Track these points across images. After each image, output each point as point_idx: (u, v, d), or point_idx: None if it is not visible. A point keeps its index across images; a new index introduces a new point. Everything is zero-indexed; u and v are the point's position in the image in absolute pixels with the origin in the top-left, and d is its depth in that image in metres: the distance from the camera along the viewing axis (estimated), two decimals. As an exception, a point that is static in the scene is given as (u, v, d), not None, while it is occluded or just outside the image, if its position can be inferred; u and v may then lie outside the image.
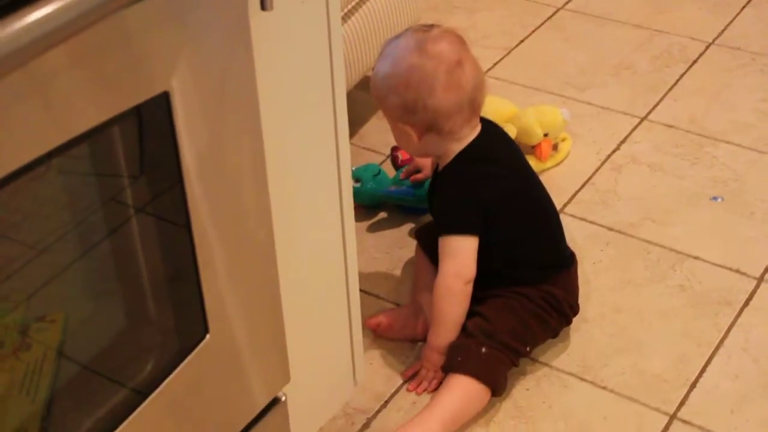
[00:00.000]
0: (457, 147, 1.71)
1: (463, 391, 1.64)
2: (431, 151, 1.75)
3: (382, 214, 2.09)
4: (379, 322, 1.80)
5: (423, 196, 1.95)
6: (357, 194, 2.01)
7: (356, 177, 2.05)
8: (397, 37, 1.72)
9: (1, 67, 0.79)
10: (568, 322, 1.78)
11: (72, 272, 1.05)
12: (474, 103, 1.68)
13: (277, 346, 1.28)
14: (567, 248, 1.80)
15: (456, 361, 1.66)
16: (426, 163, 1.99)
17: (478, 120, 1.73)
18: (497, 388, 1.66)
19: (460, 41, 1.69)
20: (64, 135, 0.91)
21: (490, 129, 1.76)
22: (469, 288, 1.69)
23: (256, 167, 1.16)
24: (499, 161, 1.75)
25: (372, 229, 2.05)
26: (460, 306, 1.70)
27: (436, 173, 1.77)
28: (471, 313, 1.72)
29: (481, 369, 1.64)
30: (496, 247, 1.70)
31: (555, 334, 1.77)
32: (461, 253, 1.68)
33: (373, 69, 1.75)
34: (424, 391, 1.71)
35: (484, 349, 1.65)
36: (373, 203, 2.07)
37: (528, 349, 1.71)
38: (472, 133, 1.71)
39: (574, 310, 1.77)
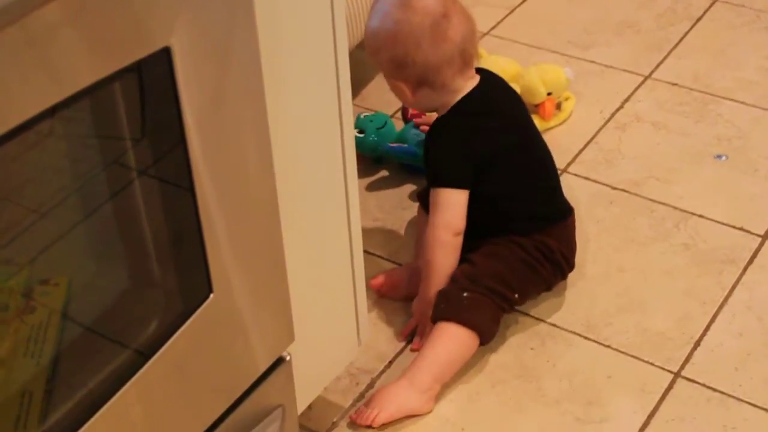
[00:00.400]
0: (453, 99, 1.71)
1: (449, 338, 1.64)
2: (427, 105, 1.76)
3: (384, 173, 2.08)
4: (382, 282, 1.80)
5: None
6: (358, 144, 2.01)
7: (360, 127, 2.04)
8: None
9: (-2, 20, 0.79)
10: (563, 275, 1.77)
11: (75, 235, 1.04)
12: (465, 54, 1.68)
13: (281, 305, 1.28)
14: (564, 200, 1.80)
15: (440, 308, 1.66)
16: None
17: (473, 71, 1.72)
18: (483, 332, 1.65)
19: None
20: (63, 91, 0.90)
21: (490, 80, 1.76)
22: (459, 240, 1.70)
23: (258, 126, 1.15)
24: (495, 113, 1.74)
25: (374, 188, 2.05)
26: (449, 257, 1.70)
27: (433, 124, 1.76)
28: (461, 261, 1.72)
29: (463, 313, 1.64)
30: (489, 199, 1.70)
31: (549, 287, 1.76)
32: (450, 206, 1.69)
33: (364, 26, 1.75)
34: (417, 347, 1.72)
35: (465, 294, 1.65)
36: (374, 155, 2.07)
37: (517, 296, 1.70)
38: (468, 84, 1.71)
39: (569, 262, 1.77)
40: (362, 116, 2.08)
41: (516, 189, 1.73)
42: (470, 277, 1.67)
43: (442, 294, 1.67)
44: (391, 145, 2.04)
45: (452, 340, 1.63)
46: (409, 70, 1.67)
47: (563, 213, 1.77)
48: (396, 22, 1.66)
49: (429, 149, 1.76)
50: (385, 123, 2.07)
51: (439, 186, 1.69)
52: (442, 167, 1.71)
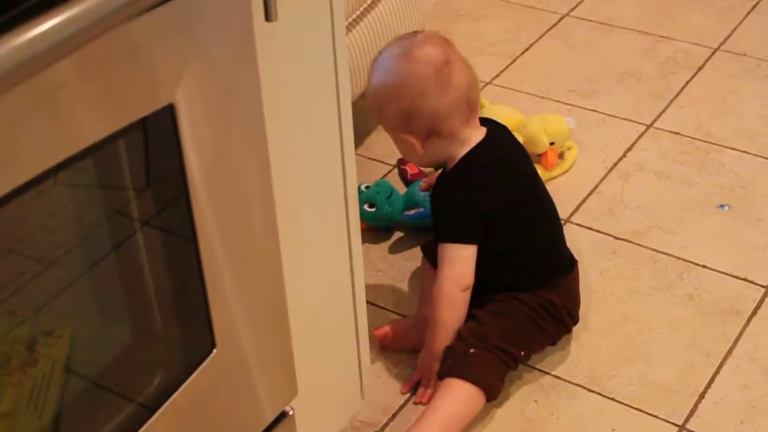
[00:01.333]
0: (460, 150, 1.70)
1: (455, 394, 1.63)
2: (437, 157, 1.74)
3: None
4: (386, 333, 1.80)
5: None
6: (373, 219, 2.01)
7: (370, 201, 2.02)
8: (382, 51, 1.73)
9: (8, 79, 0.79)
10: (568, 329, 1.77)
11: (78, 286, 1.04)
12: (470, 102, 1.68)
13: (284, 359, 1.27)
14: (567, 254, 1.80)
15: (446, 364, 1.65)
16: None
17: (478, 121, 1.72)
18: (490, 390, 1.64)
19: (445, 42, 1.70)
20: (70, 148, 0.90)
21: (496, 132, 1.75)
22: (467, 295, 1.69)
23: (262, 179, 1.15)
24: (502, 167, 1.74)
25: (377, 239, 2.04)
26: (456, 313, 1.69)
27: (439, 177, 1.76)
28: (467, 317, 1.71)
29: (470, 370, 1.63)
30: (494, 254, 1.70)
31: (553, 342, 1.76)
32: (459, 261, 1.68)
33: (366, 85, 1.75)
34: (429, 399, 1.70)
35: (472, 350, 1.64)
36: (389, 225, 2.06)
37: (522, 353, 1.70)
38: (475, 135, 1.71)
39: (573, 317, 1.76)
40: (363, 188, 2.04)
41: (521, 244, 1.73)
42: (477, 334, 1.66)
43: (449, 350, 1.67)
44: (407, 213, 2.02)
45: (459, 396, 1.63)
46: (417, 121, 1.66)
47: (566, 267, 1.77)
48: (399, 74, 1.66)
49: (436, 204, 1.76)
50: (391, 191, 2.04)
51: (448, 241, 1.68)
52: (450, 222, 1.70)
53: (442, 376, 1.65)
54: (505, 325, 1.68)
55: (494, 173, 1.71)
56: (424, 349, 1.73)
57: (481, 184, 1.70)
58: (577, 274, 1.78)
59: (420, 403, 1.71)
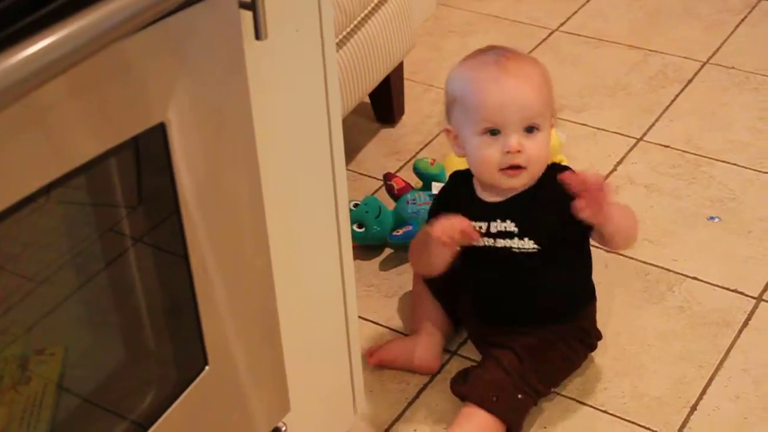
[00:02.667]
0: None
1: (485, 428, 1.62)
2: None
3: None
4: (380, 359, 1.79)
5: None
6: (363, 239, 2.01)
7: (359, 221, 2.02)
8: (475, 55, 1.71)
9: (1, 100, 0.79)
10: (593, 349, 1.79)
11: (71, 304, 1.04)
12: None
13: (276, 375, 1.27)
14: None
15: (490, 398, 1.63)
16: None
17: None
18: (516, 430, 1.66)
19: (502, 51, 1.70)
20: (63, 167, 0.91)
21: None
22: None
23: (253, 196, 1.16)
24: None
25: (369, 254, 2.05)
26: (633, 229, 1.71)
27: (529, 193, 1.67)
28: (502, 345, 1.69)
29: (514, 415, 1.64)
30: (546, 278, 1.69)
31: (579, 365, 1.78)
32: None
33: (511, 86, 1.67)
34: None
35: (520, 396, 1.64)
36: (379, 244, 2.06)
37: (552, 389, 1.72)
38: None
39: (599, 336, 1.78)
40: (352, 206, 2.02)
41: (576, 265, 1.74)
42: (520, 373, 1.65)
43: (494, 384, 1.64)
44: (395, 234, 2.01)
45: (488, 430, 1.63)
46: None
47: (594, 291, 1.79)
48: (468, 71, 1.68)
49: (538, 210, 1.67)
50: (380, 209, 2.04)
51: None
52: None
53: (480, 404, 1.63)
54: (544, 366, 1.68)
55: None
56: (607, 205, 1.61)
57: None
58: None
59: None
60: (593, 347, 1.77)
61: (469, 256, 1.69)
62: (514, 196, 1.67)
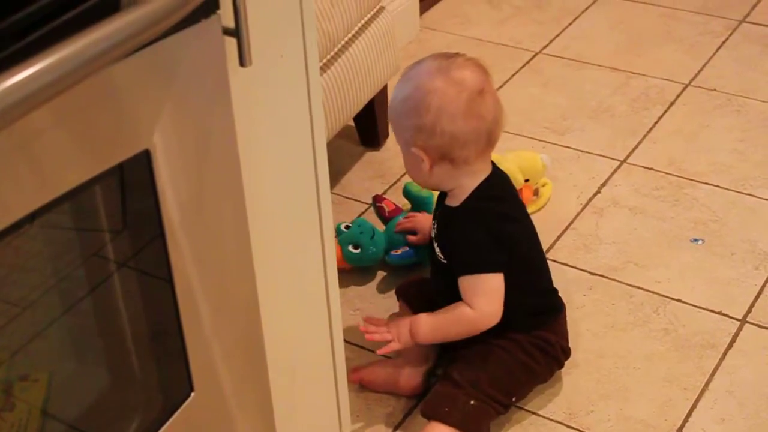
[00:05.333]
0: (470, 183, 1.68)
1: None
2: (442, 183, 1.71)
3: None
4: (361, 378, 1.79)
5: (423, 255, 1.96)
6: (359, 260, 2.01)
7: (354, 242, 2.02)
8: (419, 62, 1.70)
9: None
10: (560, 365, 1.78)
11: (55, 329, 1.04)
12: (491, 136, 1.66)
13: (262, 401, 1.27)
14: (557, 292, 1.81)
15: (443, 410, 1.65)
16: (424, 225, 1.98)
17: (488, 158, 1.70)
18: None
19: (484, 71, 1.68)
20: (48, 195, 0.91)
21: (498, 170, 1.75)
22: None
23: (238, 221, 1.16)
24: (512, 202, 1.74)
25: (354, 278, 2.05)
26: (464, 336, 1.70)
27: (448, 211, 1.72)
28: (457, 359, 1.71)
29: (468, 422, 1.64)
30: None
31: (545, 380, 1.76)
32: (496, 292, 1.66)
33: (393, 91, 1.72)
34: (371, 337, 1.72)
35: (472, 402, 1.64)
36: (373, 265, 2.06)
37: (513, 399, 1.71)
38: (485, 168, 1.70)
39: (566, 353, 1.77)
40: (344, 227, 2.04)
41: (526, 281, 1.73)
42: (471, 381, 1.66)
43: (445, 397, 1.66)
44: (394, 253, 2.02)
45: None
46: (435, 140, 1.63)
47: (560, 306, 1.79)
48: (430, 90, 1.63)
49: (448, 238, 1.71)
50: (373, 230, 2.03)
51: (474, 272, 1.66)
52: (474, 252, 1.67)
53: (435, 418, 1.65)
54: (498, 371, 1.68)
55: (507, 206, 1.71)
56: (415, 320, 1.70)
57: (502, 215, 1.69)
58: (566, 311, 1.80)
59: (364, 331, 1.73)
60: (559, 361, 1.76)
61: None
62: (444, 204, 1.74)
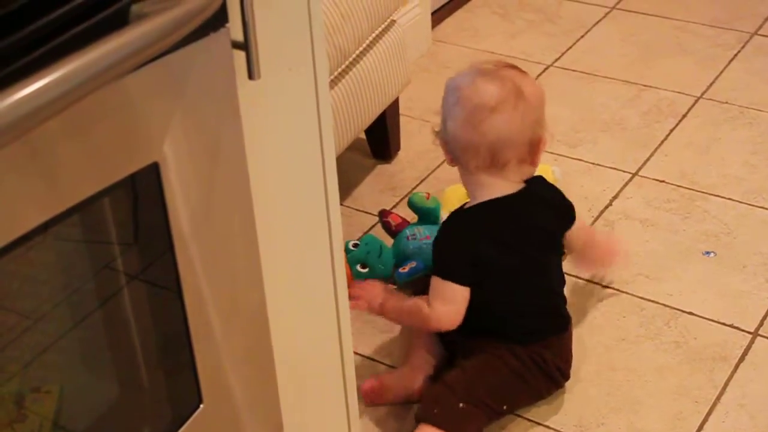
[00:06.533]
0: (479, 194, 1.71)
1: None
2: (463, 183, 1.77)
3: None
4: (372, 387, 1.79)
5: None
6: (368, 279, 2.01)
7: (362, 262, 2.03)
8: (485, 62, 1.77)
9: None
10: (558, 385, 1.77)
11: (66, 342, 1.05)
12: (495, 156, 1.67)
13: (271, 413, 1.27)
14: (564, 313, 1.80)
15: (432, 412, 1.66)
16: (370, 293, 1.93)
17: (511, 176, 1.70)
18: None
19: (516, 93, 1.68)
20: (58, 206, 0.91)
21: (529, 194, 1.73)
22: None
23: (247, 233, 1.16)
24: (514, 231, 1.72)
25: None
26: (416, 327, 1.80)
27: (455, 211, 1.79)
28: (453, 365, 1.73)
29: (457, 424, 1.64)
30: (487, 304, 1.71)
31: (541, 396, 1.76)
32: (456, 302, 1.70)
33: None
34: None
35: (461, 405, 1.65)
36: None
37: (505, 407, 1.71)
38: (497, 185, 1.70)
39: (564, 373, 1.77)
40: (351, 246, 2.04)
41: (515, 302, 1.74)
42: (465, 385, 1.67)
43: (436, 399, 1.67)
44: (402, 271, 2.02)
45: None
46: (445, 134, 1.72)
47: (561, 327, 1.78)
48: (455, 89, 1.71)
49: (440, 234, 1.76)
50: (380, 248, 2.04)
51: (445, 279, 1.70)
52: (452, 262, 1.71)
53: (424, 420, 1.66)
54: (492, 379, 1.69)
55: (502, 232, 1.71)
56: (386, 296, 1.79)
57: (487, 236, 1.69)
58: (571, 332, 1.79)
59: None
60: (555, 380, 1.76)
61: None
62: None
